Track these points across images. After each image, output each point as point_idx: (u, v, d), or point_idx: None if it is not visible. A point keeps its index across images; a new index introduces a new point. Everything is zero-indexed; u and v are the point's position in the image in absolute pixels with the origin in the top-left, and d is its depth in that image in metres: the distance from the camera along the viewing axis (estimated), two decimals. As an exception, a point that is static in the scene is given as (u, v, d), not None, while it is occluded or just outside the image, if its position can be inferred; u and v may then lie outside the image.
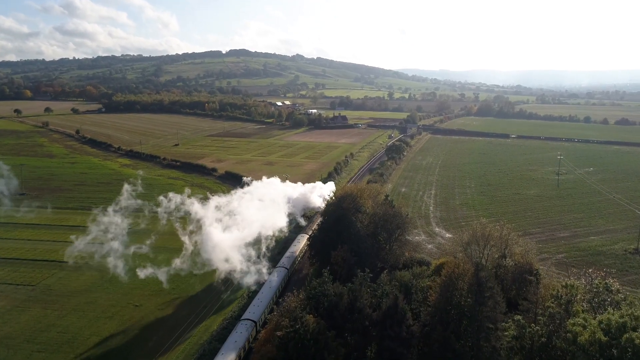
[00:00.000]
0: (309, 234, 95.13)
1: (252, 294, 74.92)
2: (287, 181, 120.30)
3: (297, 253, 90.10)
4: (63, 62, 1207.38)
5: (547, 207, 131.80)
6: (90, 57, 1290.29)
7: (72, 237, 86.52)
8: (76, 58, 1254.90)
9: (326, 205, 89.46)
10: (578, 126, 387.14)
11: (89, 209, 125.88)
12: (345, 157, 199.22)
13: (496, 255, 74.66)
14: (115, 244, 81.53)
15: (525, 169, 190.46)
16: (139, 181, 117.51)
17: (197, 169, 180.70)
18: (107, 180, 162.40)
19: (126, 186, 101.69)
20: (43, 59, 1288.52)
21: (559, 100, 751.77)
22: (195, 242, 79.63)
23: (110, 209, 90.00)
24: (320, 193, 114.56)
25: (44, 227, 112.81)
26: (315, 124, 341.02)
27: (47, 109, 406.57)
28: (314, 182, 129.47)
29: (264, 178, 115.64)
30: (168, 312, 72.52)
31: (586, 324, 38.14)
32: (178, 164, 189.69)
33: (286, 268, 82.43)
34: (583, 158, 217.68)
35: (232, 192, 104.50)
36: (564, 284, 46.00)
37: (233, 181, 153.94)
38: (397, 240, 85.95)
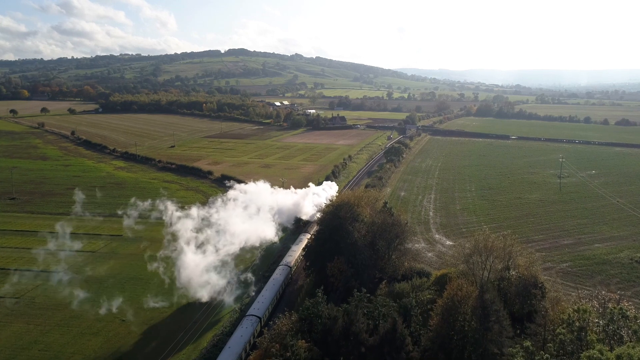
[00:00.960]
0: (311, 233, 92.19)
1: (255, 293, 75.21)
2: (276, 187, 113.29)
3: (300, 252, 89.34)
4: (61, 61, 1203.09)
5: (550, 213, 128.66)
6: (89, 56, 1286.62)
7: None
8: (74, 57, 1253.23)
9: (322, 214, 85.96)
10: (578, 127, 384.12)
11: (80, 215, 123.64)
12: (344, 159, 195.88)
13: (499, 267, 71.72)
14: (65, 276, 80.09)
15: (526, 171, 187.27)
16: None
17: (193, 172, 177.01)
18: (100, 183, 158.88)
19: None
20: (41, 58, 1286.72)
21: (559, 100, 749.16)
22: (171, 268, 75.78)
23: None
24: (316, 201, 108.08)
25: (33, 234, 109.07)
26: (314, 124, 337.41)
27: (44, 109, 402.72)
28: (309, 186, 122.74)
29: (251, 184, 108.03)
30: (156, 328, 69.12)
31: (603, 359, 35.01)
32: (173, 166, 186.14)
33: (289, 266, 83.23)
34: (584, 160, 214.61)
35: (211, 199, 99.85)
36: (575, 307, 42.81)
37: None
38: (396, 249, 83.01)
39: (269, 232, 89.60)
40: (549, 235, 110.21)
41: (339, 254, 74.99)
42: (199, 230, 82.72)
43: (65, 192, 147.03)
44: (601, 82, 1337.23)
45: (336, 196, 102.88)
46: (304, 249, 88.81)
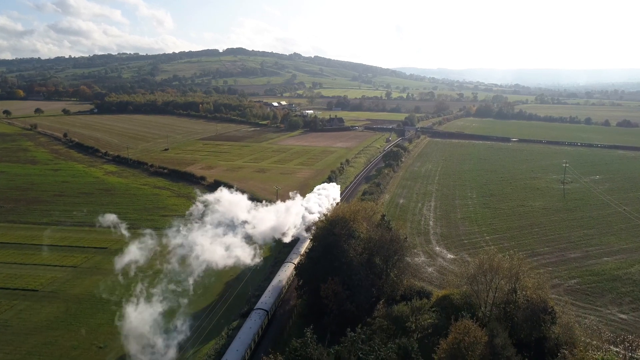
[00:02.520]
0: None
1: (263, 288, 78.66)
2: (256, 204, 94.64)
3: (303, 251, 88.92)
4: (59, 60, 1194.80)
5: (555, 222, 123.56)
6: (86, 55, 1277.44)
7: None
8: (72, 56, 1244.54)
9: (316, 229, 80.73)
10: (579, 128, 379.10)
11: (66, 225, 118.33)
12: (341, 163, 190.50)
13: (505, 289, 66.87)
14: None
15: (529, 176, 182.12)
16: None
17: (185, 177, 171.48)
18: (89, 190, 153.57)
19: None
20: (39, 58, 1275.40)
21: (558, 100, 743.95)
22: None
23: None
24: (308, 218, 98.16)
25: (13, 247, 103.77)
26: (311, 126, 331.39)
27: (38, 110, 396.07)
28: (294, 199, 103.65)
29: (224, 193, 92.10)
30: (135, 356, 63.92)
31: None
32: (165, 171, 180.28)
33: (293, 263, 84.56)
34: (588, 164, 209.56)
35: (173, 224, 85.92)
36: (599, 357, 37.85)
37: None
38: (394, 266, 78.06)
39: (244, 256, 78.96)
40: (554, 247, 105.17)
41: (334, 274, 69.95)
42: (152, 259, 76.16)
43: (52, 200, 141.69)
44: (600, 82, 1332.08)
45: (333, 207, 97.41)
46: (306, 248, 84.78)
